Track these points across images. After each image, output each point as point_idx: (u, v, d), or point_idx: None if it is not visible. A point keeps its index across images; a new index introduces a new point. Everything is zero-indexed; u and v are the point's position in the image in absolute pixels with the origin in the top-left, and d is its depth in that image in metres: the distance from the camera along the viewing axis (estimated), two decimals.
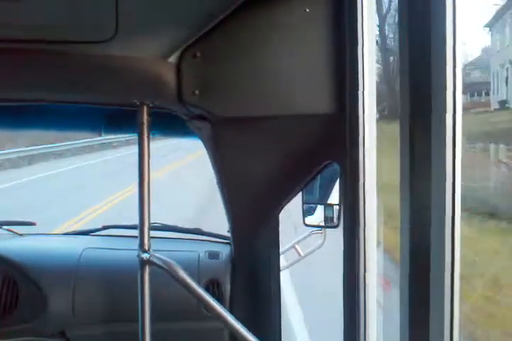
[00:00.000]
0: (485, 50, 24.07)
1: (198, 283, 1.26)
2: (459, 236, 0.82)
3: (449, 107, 0.80)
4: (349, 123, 1.16)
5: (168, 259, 1.28)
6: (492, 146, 9.86)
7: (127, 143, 16.81)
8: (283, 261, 1.95)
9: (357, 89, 1.12)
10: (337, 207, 1.73)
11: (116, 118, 1.73)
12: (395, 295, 0.93)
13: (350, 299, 1.19)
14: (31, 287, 1.87)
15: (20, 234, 2.18)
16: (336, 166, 1.40)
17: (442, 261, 0.81)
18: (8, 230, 2.18)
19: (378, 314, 1.23)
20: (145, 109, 1.32)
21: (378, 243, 1.22)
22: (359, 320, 1.17)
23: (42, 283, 1.87)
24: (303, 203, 1.76)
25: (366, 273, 1.16)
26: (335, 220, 1.78)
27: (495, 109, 17.55)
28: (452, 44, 0.80)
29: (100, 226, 2.24)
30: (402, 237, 0.88)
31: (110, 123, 1.79)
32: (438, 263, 0.82)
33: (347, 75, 1.16)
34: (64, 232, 2.43)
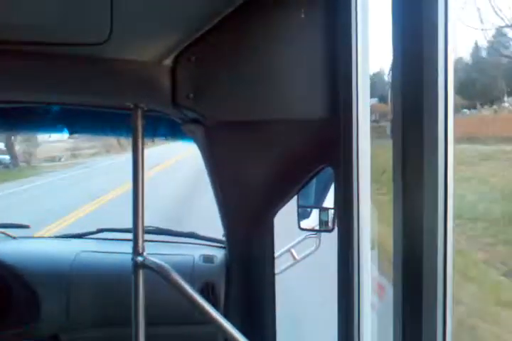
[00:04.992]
0: None
1: (192, 286, 1.26)
2: (452, 240, 0.82)
3: (441, 109, 0.81)
4: (343, 127, 1.16)
5: (162, 263, 1.28)
6: None
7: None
8: (278, 266, 1.95)
9: (351, 94, 1.12)
10: (332, 211, 1.72)
11: (111, 121, 1.73)
12: (389, 300, 0.93)
13: (345, 302, 1.19)
14: (24, 290, 1.86)
15: (14, 237, 2.17)
16: (331, 170, 1.40)
17: (434, 265, 0.81)
18: (1, 232, 2.17)
19: (372, 317, 1.23)
20: (139, 112, 1.32)
21: (372, 247, 1.22)
22: (353, 323, 1.17)
23: (35, 287, 1.86)
24: (298, 207, 1.76)
25: (360, 277, 1.16)
26: (330, 224, 1.77)
27: None
28: (444, 44, 0.80)
29: (94, 230, 2.23)
30: (394, 241, 0.88)
31: (105, 126, 1.78)
32: (430, 268, 0.82)
33: (341, 80, 1.16)
34: (57, 235, 2.42)
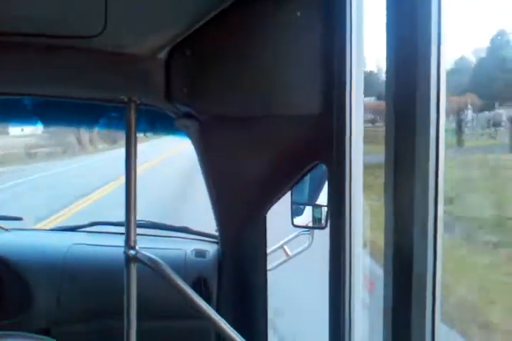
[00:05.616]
0: None
1: (184, 281, 1.26)
2: (441, 237, 0.83)
3: (433, 111, 0.81)
4: (336, 124, 1.16)
5: (154, 256, 1.28)
6: None
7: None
8: (271, 262, 1.95)
9: (344, 90, 1.12)
10: (325, 208, 1.73)
11: (105, 115, 1.72)
12: (379, 296, 0.94)
13: (336, 299, 1.19)
14: (16, 282, 1.86)
15: (7, 229, 2.17)
16: (325, 167, 1.40)
17: (424, 262, 0.82)
18: None
19: (364, 314, 1.23)
20: (133, 105, 1.31)
21: (364, 244, 1.23)
22: (344, 320, 1.18)
23: (27, 279, 1.86)
24: (292, 203, 1.76)
25: (352, 274, 1.17)
26: (323, 221, 1.78)
27: None
28: (437, 49, 0.81)
29: (87, 223, 2.23)
30: (386, 238, 0.88)
31: (98, 120, 1.77)
32: (420, 265, 0.82)
33: (335, 76, 1.16)
34: (50, 228, 2.42)
